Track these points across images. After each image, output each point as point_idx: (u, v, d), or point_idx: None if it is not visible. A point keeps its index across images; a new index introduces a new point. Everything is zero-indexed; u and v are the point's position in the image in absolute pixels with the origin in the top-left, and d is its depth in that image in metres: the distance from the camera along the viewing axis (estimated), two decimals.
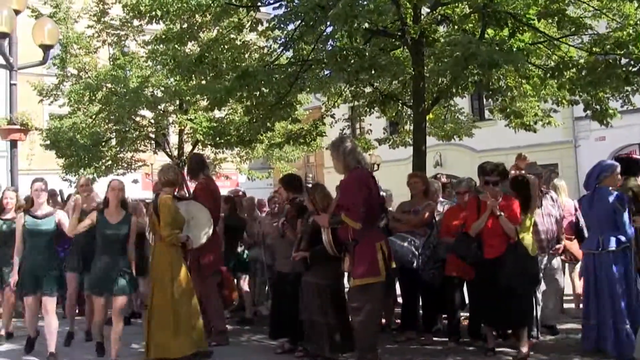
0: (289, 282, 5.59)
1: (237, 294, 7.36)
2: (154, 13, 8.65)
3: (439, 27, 7.65)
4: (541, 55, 7.49)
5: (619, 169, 5.16)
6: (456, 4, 7.22)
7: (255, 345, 6.06)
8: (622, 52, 5.96)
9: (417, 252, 5.79)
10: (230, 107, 12.72)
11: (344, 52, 6.65)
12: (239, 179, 21.20)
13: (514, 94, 8.47)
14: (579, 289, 6.66)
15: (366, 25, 6.39)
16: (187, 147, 14.85)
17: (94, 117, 13.76)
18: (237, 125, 12.14)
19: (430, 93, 7.88)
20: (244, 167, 17.35)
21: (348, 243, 4.81)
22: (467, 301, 5.95)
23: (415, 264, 5.73)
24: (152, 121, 14.23)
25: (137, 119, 14.15)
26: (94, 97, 13.34)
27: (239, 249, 7.20)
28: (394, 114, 9.83)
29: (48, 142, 14.11)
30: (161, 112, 14.14)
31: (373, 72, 6.82)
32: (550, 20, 6.77)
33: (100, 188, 7.87)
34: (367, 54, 6.66)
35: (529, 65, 7.24)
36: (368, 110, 9.03)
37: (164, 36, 9.31)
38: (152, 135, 14.65)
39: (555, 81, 6.86)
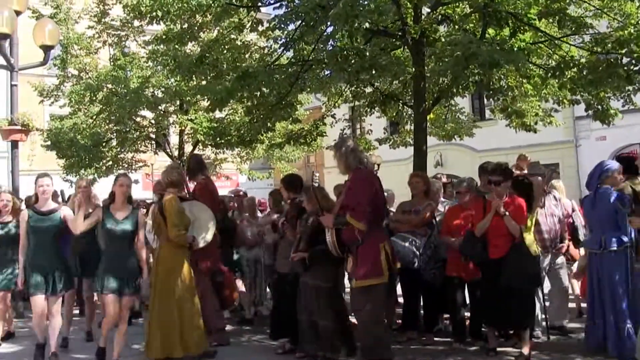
0: (288, 282, 5.58)
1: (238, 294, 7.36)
2: (154, 13, 8.65)
3: (440, 27, 7.64)
4: (542, 55, 7.48)
5: (620, 169, 5.16)
6: (457, 4, 7.21)
7: (256, 345, 6.06)
8: (624, 51, 5.95)
9: (418, 252, 5.79)
10: (231, 108, 12.72)
11: (345, 52, 6.65)
12: (239, 179, 21.20)
13: (515, 93, 8.45)
14: (577, 289, 6.68)
15: (367, 25, 6.38)
16: (188, 148, 14.85)
17: (94, 117, 13.77)
18: (237, 125, 12.15)
19: (431, 93, 7.87)
20: (245, 167, 17.35)
21: (352, 244, 4.80)
22: (467, 301, 5.94)
23: (416, 264, 5.73)
24: (153, 121, 14.24)
25: (138, 119, 14.16)
26: (94, 98, 13.35)
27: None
28: (394, 114, 9.82)
29: (49, 142, 14.13)
30: (162, 112, 14.14)
31: (374, 72, 6.81)
32: (551, 20, 6.76)
33: (101, 189, 7.90)
34: (367, 54, 6.65)
35: (530, 65, 7.23)
36: (369, 110, 9.02)
37: (164, 36, 9.31)
38: (153, 136, 14.66)
39: (557, 81, 6.85)
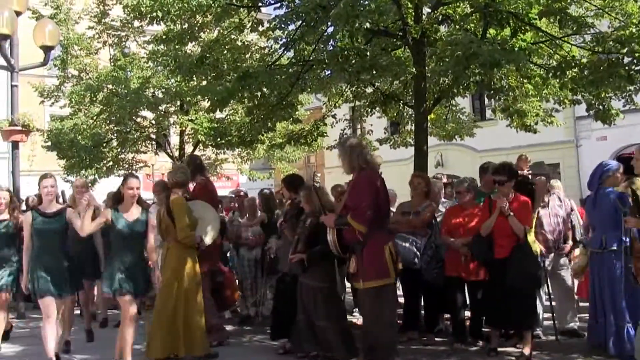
0: (287, 282, 5.58)
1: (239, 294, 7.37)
2: (154, 14, 8.64)
3: (441, 27, 7.63)
4: (543, 55, 7.47)
5: (621, 169, 5.17)
6: (457, 4, 7.20)
7: (257, 345, 6.05)
8: (625, 51, 5.93)
9: (419, 253, 5.79)
10: (231, 108, 12.71)
11: (345, 52, 6.64)
12: (240, 180, 21.19)
13: (516, 93, 8.44)
14: (575, 289, 6.67)
15: (367, 25, 6.38)
16: (188, 148, 14.84)
17: (95, 118, 13.76)
18: (238, 125, 12.14)
19: (431, 93, 7.86)
20: (245, 167, 17.34)
21: (354, 245, 4.79)
22: (468, 301, 5.93)
23: (417, 265, 5.73)
24: (153, 122, 14.22)
25: (138, 119, 14.14)
26: (94, 98, 13.33)
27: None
28: (395, 114, 9.81)
29: (49, 143, 14.11)
30: (162, 113, 14.13)
31: (374, 72, 6.80)
32: (552, 20, 6.75)
33: (101, 189, 7.90)
34: (368, 54, 6.64)
35: (531, 65, 7.22)
36: (369, 110, 9.01)
37: (164, 37, 9.31)
38: (153, 136, 14.64)
39: (557, 81, 6.84)
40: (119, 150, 14.41)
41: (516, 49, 5.97)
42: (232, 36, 8.91)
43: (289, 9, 7.15)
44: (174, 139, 15.65)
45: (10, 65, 8.19)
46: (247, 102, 8.02)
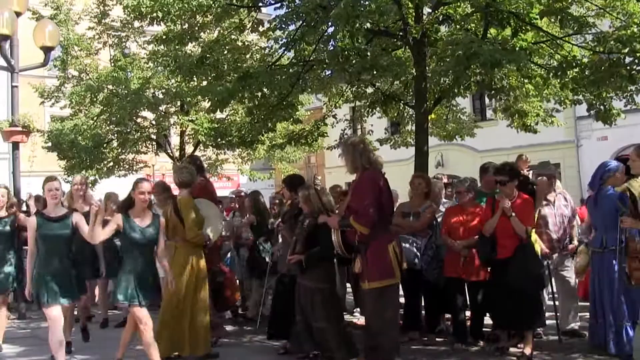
0: (286, 283, 5.58)
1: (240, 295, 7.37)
2: (154, 14, 8.63)
3: (441, 27, 7.62)
4: (544, 55, 7.46)
5: (622, 169, 5.17)
6: (458, 4, 7.19)
7: (257, 345, 6.05)
8: (626, 50, 5.92)
9: (419, 253, 5.79)
10: (232, 108, 12.71)
11: (346, 52, 6.63)
12: (240, 180, 21.19)
13: (516, 94, 8.43)
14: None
15: (368, 25, 6.37)
16: (189, 149, 14.84)
17: (95, 118, 13.76)
18: (238, 126, 12.14)
19: (432, 93, 7.85)
20: (246, 167, 17.34)
21: (358, 245, 4.80)
22: (468, 302, 5.92)
23: (417, 265, 5.73)
24: (154, 122, 14.22)
25: (139, 120, 14.15)
26: (95, 99, 13.34)
27: None
28: (395, 115, 9.80)
29: (50, 144, 14.12)
30: (162, 113, 14.13)
31: (375, 72, 6.80)
32: (553, 19, 6.74)
33: (102, 190, 7.89)
34: (368, 54, 6.63)
35: (532, 65, 7.21)
36: (370, 110, 9.00)
37: (164, 37, 9.30)
38: (154, 137, 14.64)
39: (558, 81, 6.82)
40: (119, 150, 14.42)
41: (517, 49, 5.96)
42: (233, 36, 8.90)
43: (289, 9, 7.15)
44: (175, 140, 15.65)
45: (10, 66, 8.19)
46: (248, 103, 8.01)
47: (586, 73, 6.26)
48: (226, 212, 8.48)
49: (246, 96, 7.55)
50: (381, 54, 7.06)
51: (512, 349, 5.35)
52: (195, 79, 9.17)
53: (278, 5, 7.73)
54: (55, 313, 4.79)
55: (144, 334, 4.75)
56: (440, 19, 7.40)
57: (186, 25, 9.34)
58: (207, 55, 8.26)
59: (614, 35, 6.12)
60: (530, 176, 6.39)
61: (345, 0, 5.88)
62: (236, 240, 7.55)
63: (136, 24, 12.77)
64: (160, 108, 13.98)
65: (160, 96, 13.64)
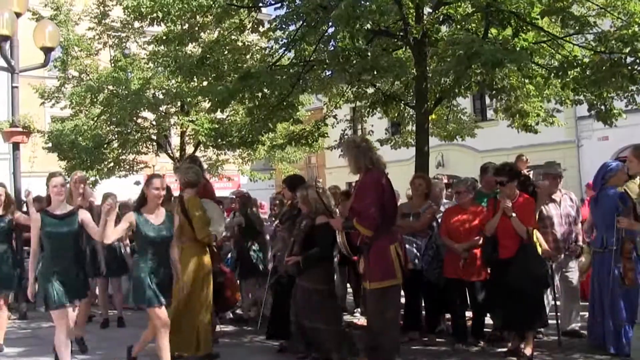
0: (284, 284, 5.57)
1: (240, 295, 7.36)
2: (154, 15, 8.64)
3: (442, 27, 7.62)
4: (545, 55, 7.45)
5: (624, 169, 5.17)
6: (459, 4, 7.19)
7: (257, 345, 6.04)
8: (627, 50, 5.91)
9: (419, 253, 5.78)
10: (232, 109, 12.71)
11: (346, 52, 6.63)
12: (241, 181, 21.19)
13: (517, 94, 8.43)
14: None
15: (368, 25, 6.37)
16: (189, 149, 14.84)
17: (95, 119, 13.77)
18: (238, 126, 12.14)
19: (432, 93, 7.84)
20: (246, 168, 17.34)
21: (362, 246, 4.82)
22: (469, 302, 5.92)
23: (418, 265, 5.73)
24: (154, 123, 14.23)
25: (139, 120, 14.16)
26: (95, 99, 13.35)
27: None
28: (396, 115, 9.80)
29: (50, 144, 14.12)
30: (163, 113, 14.14)
31: (375, 73, 6.79)
32: (553, 19, 6.73)
33: (103, 190, 7.87)
34: (369, 54, 6.63)
35: (532, 65, 7.20)
36: (370, 110, 9.00)
37: (164, 37, 9.30)
38: (154, 137, 14.65)
39: (559, 81, 6.81)
40: (119, 151, 14.43)
41: (518, 48, 5.95)
42: (233, 37, 8.90)
43: (290, 10, 7.15)
44: (175, 140, 15.65)
45: (10, 67, 8.18)
46: (248, 103, 8.01)
47: (587, 73, 6.25)
48: (227, 212, 8.47)
49: (246, 96, 7.54)
50: (382, 54, 7.05)
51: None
52: (195, 79, 9.17)
53: (278, 5, 7.73)
54: (61, 314, 4.61)
55: (161, 336, 4.60)
56: (441, 19, 7.39)
57: (186, 26, 9.34)
58: (208, 56, 8.26)
59: (615, 34, 6.11)
60: (531, 176, 6.38)
61: (346, 1, 5.87)
62: (236, 241, 7.55)
63: (136, 24, 12.77)
64: (161, 108, 13.99)
65: (161, 97, 13.65)
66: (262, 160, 17.60)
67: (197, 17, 8.76)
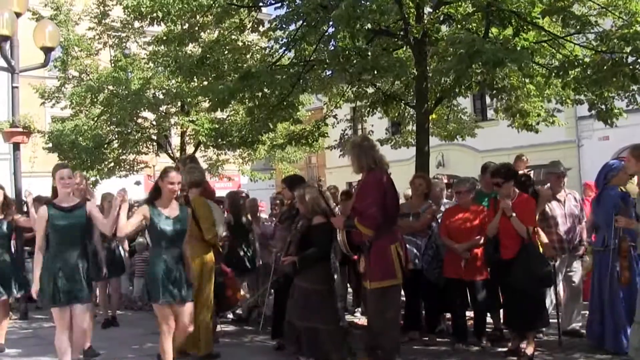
0: (281, 283, 5.58)
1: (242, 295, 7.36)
2: (154, 14, 8.64)
3: (442, 26, 7.61)
4: (545, 55, 7.44)
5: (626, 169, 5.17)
6: (459, 3, 7.19)
7: (258, 345, 6.04)
8: (629, 49, 5.90)
9: (419, 253, 5.78)
10: (232, 109, 12.71)
11: (346, 52, 6.63)
12: (241, 181, 21.19)
13: (518, 93, 8.43)
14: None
15: (368, 25, 6.36)
16: (190, 149, 14.83)
17: (95, 119, 13.76)
18: (239, 126, 12.13)
19: (433, 93, 7.84)
20: (246, 168, 17.34)
21: (362, 245, 4.82)
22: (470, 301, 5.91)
23: (418, 265, 5.72)
24: (154, 123, 14.22)
25: (139, 120, 14.14)
26: (95, 100, 13.34)
27: None
28: (396, 115, 9.80)
29: (50, 144, 14.11)
30: (163, 113, 14.13)
31: (375, 72, 6.79)
32: (554, 19, 6.72)
33: (103, 191, 7.88)
34: (369, 54, 6.63)
35: (533, 65, 7.19)
36: (370, 110, 9.00)
37: (165, 37, 9.30)
38: (154, 137, 14.64)
39: (560, 80, 6.81)
40: (120, 151, 14.41)
41: (518, 48, 5.95)
42: (233, 36, 8.90)
43: (290, 9, 7.14)
44: (175, 140, 15.64)
45: (10, 67, 8.17)
46: (248, 103, 8.01)
47: (588, 72, 6.24)
48: (227, 212, 8.46)
49: (247, 96, 7.54)
50: (382, 53, 7.05)
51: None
52: (195, 79, 9.17)
53: (278, 5, 7.72)
54: (62, 313, 4.49)
55: (164, 335, 4.51)
56: (441, 19, 7.39)
57: (186, 26, 9.34)
58: (208, 56, 8.26)
59: (617, 33, 6.11)
60: (532, 176, 6.38)
61: (346, 1, 5.87)
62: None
63: (136, 24, 12.77)
64: (161, 108, 13.97)
65: (161, 97, 13.64)
66: (262, 160, 17.59)
67: (197, 16, 8.76)
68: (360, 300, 7.19)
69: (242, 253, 7.12)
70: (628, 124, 8.95)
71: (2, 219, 5.91)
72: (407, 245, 5.61)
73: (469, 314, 5.90)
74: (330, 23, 6.70)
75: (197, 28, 9.18)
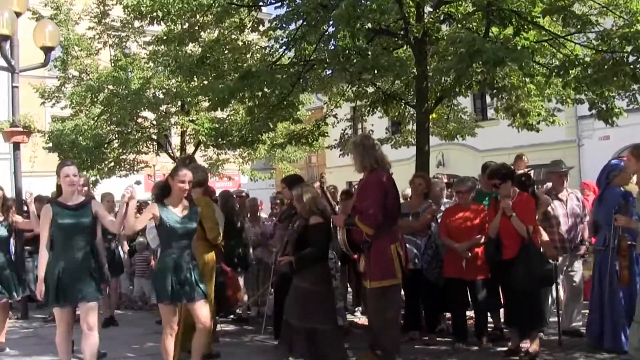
0: (280, 282, 5.57)
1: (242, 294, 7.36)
2: (154, 14, 8.63)
3: (442, 25, 7.61)
4: (546, 54, 7.44)
5: None
6: (459, 2, 7.18)
7: (258, 345, 6.04)
8: (630, 48, 5.89)
9: (419, 253, 5.78)
10: (232, 108, 12.71)
11: (347, 51, 6.63)
12: (241, 180, 21.19)
13: (518, 93, 8.42)
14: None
15: (369, 24, 6.36)
16: (190, 149, 14.84)
17: (95, 118, 13.75)
18: (239, 126, 12.13)
19: (433, 92, 7.83)
20: (247, 167, 17.34)
21: (362, 244, 4.82)
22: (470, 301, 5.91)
23: (418, 265, 5.72)
24: (154, 123, 14.21)
25: (139, 120, 14.14)
26: (95, 99, 13.34)
27: None
28: (396, 114, 9.79)
29: (50, 144, 14.11)
30: (163, 113, 14.12)
31: (376, 72, 6.78)
32: (555, 18, 6.71)
33: (103, 190, 7.88)
34: (369, 53, 6.62)
35: (534, 64, 7.19)
36: (370, 110, 9.00)
37: (165, 37, 9.29)
38: (154, 137, 14.63)
39: (561, 80, 6.80)
40: (120, 151, 14.41)
41: (519, 47, 5.94)
42: (233, 36, 8.90)
43: (290, 9, 7.14)
44: (175, 140, 15.64)
45: (10, 66, 8.17)
46: (248, 102, 8.01)
47: (589, 72, 6.23)
48: None
49: (247, 96, 7.54)
50: (382, 53, 7.05)
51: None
52: (195, 79, 9.17)
53: (278, 4, 7.72)
54: (63, 314, 4.40)
55: (166, 336, 4.46)
56: (442, 18, 7.38)
57: (186, 25, 9.34)
58: (208, 55, 8.26)
59: (618, 33, 6.10)
60: (532, 175, 6.37)
61: (347, 0, 5.86)
62: None
63: (136, 23, 12.77)
64: (161, 108, 13.97)
65: (161, 96, 13.63)
66: (262, 159, 17.59)
67: (197, 16, 8.76)
68: (360, 299, 7.19)
69: (234, 253, 7.09)
70: (628, 124, 8.93)
71: (1, 220, 5.89)
72: (407, 245, 5.61)
73: (470, 313, 5.90)
74: (331, 22, 6.70)
75: (197, 27, 9.17)
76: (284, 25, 7.00)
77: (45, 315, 7.39)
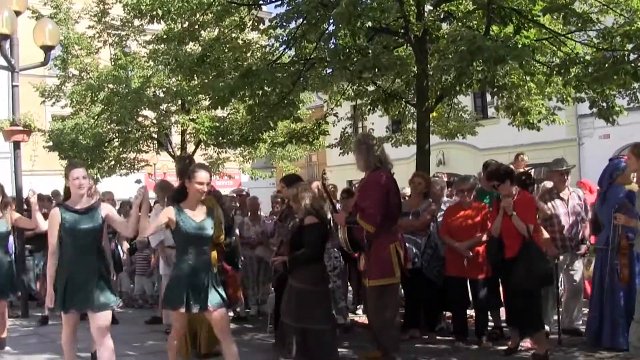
0: (279, 282, 5.56)
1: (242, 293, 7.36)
2: (154, 12, 8.63)
3: (443, 24, 7.60)
4: (546, 52, 7.43)
5: None
6: (460, 1, 7.17)
7: (258, 344, 6.04)
8: (630, 47, 5.88)
9: (419, 252, 5.77)
10: (233, 107, 12.71)
11: (347, 50, 6.62)
12: (241, 179, 21.20)
13: (518, 91, 8.42)
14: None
15: (369, 23, 6.36)
16: (190, 147, 14.83)
17: (96, 117, 13.75)
18: (239, 124, 12.13)
19: (433, 91, 7.83)
20: (247, 166, 17.33)
21: (363, 243, 4.83)
22: (471, 300, 5.91)
23: (417, 264, 5.72)
24: (155, 121, 14.21)
25: (140, 119, 14.12)
26: (95, 98, 13.32)
27: None
28: (397, 113, 9.78)
29: (51, 143, 14.10)
30: (163, 112, 14.11)
31: (376, 70, 6.78)
32: (555, 16, 6.71)
33: (104, 189, 7.89)
34: (370, 52, 6.62)
35: (534, 63, 7.18)
36: (371, 108, 8.99)
37: (165, 36, 9.29)
38: (155, 136, 14.63)
39: (561, 78, 6.80)
40: (120, 149, 14.40)
41: (519, 46, 5.93)
42: (233, 35, 8.90)
43: (290, 7, 7.13)
44: (176, 138, 15.64)
45: (10, 65, 8.16)
46: (249, 101, 8.01)
47: (589, 70, 6.23)
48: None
49: (247, 94, 7.54)
50: (382, 51, 7.04)
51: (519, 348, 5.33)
52: (196, 77, 9.17)
53: (279, 3, 7.71)
54: (69, 319, 4.26)
55: (171, 337, 4.36)
56: (442, 16, 7.38)
57: (186, 24, 9.33)
58: (208, 54, 8.26)
59: (619, 31, 6.09)
60: (533, 174, 6.36)
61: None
62: None
63: (136, 22, 12.75)
64: (161, 107, 13.96)
65: (161, 95, 13.62)
66: (262, 158, 17.58)
67: (197, 15, 8.76)
68: (360, 298, 7.19)
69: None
70: (629, 122, 8.95)
71: (0, 217, 5.89)
72: (407, 244, 5.61)
73: (470, 312, 5.90)
74: (331, 21, 6.70)
75: (197, 26, 9.18)
76: (284, 23, 7.00)
77: (45, 314, 7.39)
